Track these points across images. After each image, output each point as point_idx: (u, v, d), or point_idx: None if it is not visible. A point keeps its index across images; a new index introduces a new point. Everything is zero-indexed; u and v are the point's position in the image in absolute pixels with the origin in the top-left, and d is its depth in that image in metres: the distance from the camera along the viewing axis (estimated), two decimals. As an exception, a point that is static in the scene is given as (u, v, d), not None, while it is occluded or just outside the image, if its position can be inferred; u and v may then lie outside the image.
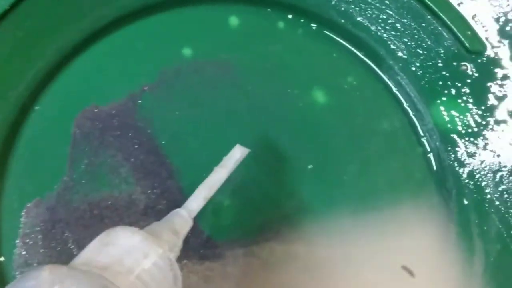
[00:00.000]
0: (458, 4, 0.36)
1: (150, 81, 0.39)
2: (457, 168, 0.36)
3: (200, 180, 0.34)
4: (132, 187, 0.37)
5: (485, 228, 0.34)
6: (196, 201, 0.32)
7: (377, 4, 0.37)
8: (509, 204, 0.34)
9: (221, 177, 0.33)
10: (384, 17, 0.37)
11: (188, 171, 0.37)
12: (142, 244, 0.27)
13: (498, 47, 0.36)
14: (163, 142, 0.38)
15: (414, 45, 0.37)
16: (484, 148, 0.35)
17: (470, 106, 0.36)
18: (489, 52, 0.36)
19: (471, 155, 0.36)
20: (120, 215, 0.37)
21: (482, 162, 0.35)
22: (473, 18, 0.36)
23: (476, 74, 0.36)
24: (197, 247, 0.36)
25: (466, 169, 0.35)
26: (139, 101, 0.38)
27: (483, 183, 0.35)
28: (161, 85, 0.39)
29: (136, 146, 0.38)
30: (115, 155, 0.38)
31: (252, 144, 0.37)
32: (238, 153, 0.33)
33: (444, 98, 0.36)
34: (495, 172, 0.35)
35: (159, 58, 0.39)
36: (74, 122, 0.38)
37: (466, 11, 0.36)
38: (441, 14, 0.36)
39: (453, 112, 0.36)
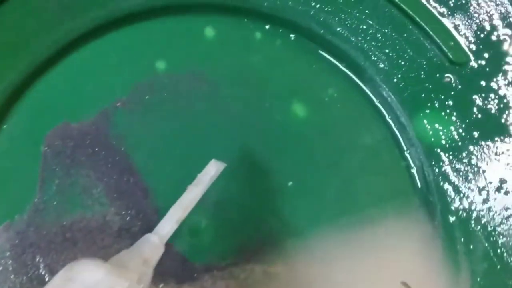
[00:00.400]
0: (441, 14, 0.34)
1: (123, 96, 0.37)
2: (441, 184, 0.35)
3: (176, 199, 0.33)
4: (105, 208, 0.36)
5: (471, 246, 0.33)
6: (168, 224, 0.31)
7: (357, 14, 0.36)
8: (496, 221, 0.33)
9: (195, 196, 0.31)
10: (365, 27, 0.36)
11: (165, 190, 0.36)
12: (107, 279, 0.26)
13: (482, 58, 0.34)
14: (138, 160, 0.37)
15: (395, 56, 0.36)
16: (469, 163, 0.34)
17: (454, 119, 0.35)
18: (473, 63, 0.34)
19: (456, 170, 0.34)
20: (93, 238, 0.35)
21: (467, 177, 0.34)
22: (456, 28, 0.35)
23: (460, 86, 0.34)
24: (174, 270, 0.35)
25: (451, 185, 0.34)
26: (112, 118, 0.37)
27: (469, 200, 0.34)
28: (134, 100, 0.37)
29: (110, 165, 0.36)
30: (87, 175, 0.36)
31: (229, 160, 0.35)
32: (213, 169, 0.32)
33: (427, 111, 0.35)
34: (481, 189, 0.34)
35: (132, 72, 0.38)
36: (45, 140, 0.36)
37: (449, 21, 0.34)
38: (423, 24, 0.35)
39: (437, 125, 0.35)
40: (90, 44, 0.38)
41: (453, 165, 0.34)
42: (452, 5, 0.34)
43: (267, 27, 0.38)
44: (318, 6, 0.36)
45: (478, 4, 0.34)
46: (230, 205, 0.36)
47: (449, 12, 0.34)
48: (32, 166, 0.36)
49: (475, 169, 0.34)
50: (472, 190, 0.34)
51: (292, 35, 0.38)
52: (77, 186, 0.36)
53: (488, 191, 0.34)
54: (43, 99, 0.37)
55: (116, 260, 0.28)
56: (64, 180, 0.36)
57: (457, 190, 0.34)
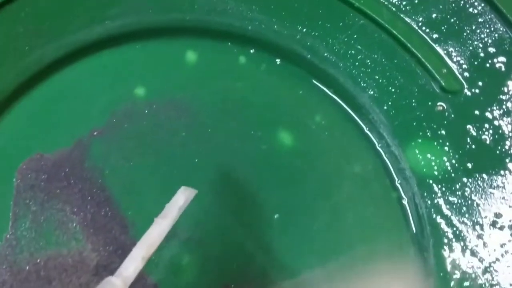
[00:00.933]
0: (433, 40, 0.33)
1: (99, 125, 0.35)
2: (434, 216, 0.33)
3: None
4: (82, 244, 0.34)
5: (466, 284, 0.32)
6: (132, 264, 0.28)
7: (345, 39, 0.34)
8: (491, 258, 0.31)
9: (162, 230, 0.29)
10: (353, 52, 0.34)
11: (144, 224, 0.33)
12: None
13: (476, 86, 0.33)
14: (116, 193, 0.35)
15: (386, 83, 0.34)
16: (463, 195, 0.33)
17: (447, 149, 0.33)
18: (467, 91, 0.33)
19: (449, 203, 0.33)
20: (69, 276, 0.34)
21: (461, 211, 0.33)
22: (449, 55, 0.33)
23: (453, 115, 0.33)
24: (155, 311, 0.33)
25: (444, 218, 0.33)
26: (88, 148, 0.35)
27: (463, 234, 0.32)
28: (111, 129, 0.35)
29: (86, 198, 0.35)
30: (62, 209, 0.35)
31: (212, 193, 0.34)
32: (182, 197, 0.29)
33: (419, 140, 0.33)
34: (475, 223, 0.32)
35: (109, 99, 0.36)
36: (17, 173, 0.35)
37: (441, 47, 0.33)
38: (415, 50, 0.33)
39: (429, 156, 0.33)
40: (63, 70, 0.36)
41: (446, 197, 0.33)
42: (444, 31, 0.33)
43: (251, 51, 0.36)
44: (304, 30, 0.34)
45: (472, 30, 0.32)
46: (213, 240, 0.34)
47: (442, 38, 0.33)
48: (4, 200, 0.34)
49: (469, 202, 0.33)
50: (466, 224, 0.32)
51: (277, 60, 0.36)
52: (51, 221, 0.34)
53: (482, 225, 0.32)
54: (14, 130, 0.35)
55: None
56: (37, 215, 0.34)
57: (450, 223, 0.33)
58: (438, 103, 0.33)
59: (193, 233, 0.34)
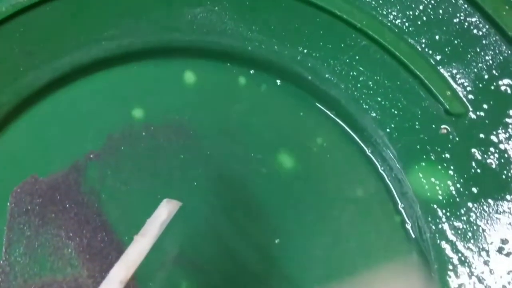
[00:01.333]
0: (436, 62, 0.32)
1: (96, 148, 0.35)
2: (438, 242, 0.32)
3: (154, 260, 0.30)
4: (77, 270, 0.33)
5: (472, 312, 0.31)
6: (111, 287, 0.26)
7: (347, 60, 0.33)
8: (498, 286, 0.30)
9: (142, 249, 0.26)
10: (355, 74, 0.33)
11: (141, 250, 0.33)
12: None
13: (481, 109, 0.32)
14: (112, 218, 0.34)
15: (388, 105, 0.33)
16: (468, 221, 0.32)
17: (452, 173, 0.32)
18: (472, 114, 0.32)
19: (454, 228, 0.32)
20: (64, 304, 0.33)
21: (466, 236, 0.32)
22: (453, 77, 0.32)
23: (457, 139, 0.32)
24: None
25: (449, 244, 0.32)
26: (84, 171, 0.34)
27: (468, 260, 0.31)
28: (108, 152, 0.35)
29: (82, 222, 0.34)
30: (57, 234, 0.34)
31: (212, 217, 0.33)
32: (164, 213, 0.27)
33: (422, 164, 0.33)
34: (481, 249, 0.31)
35: (106, 122, 0.35)
36: (11, 197, 0.34)
37: (445, 69, 0.32)
38: (418, 72, 0.32)
39: (433, 179, 0.32)
40: (59, 91, 0.36)
41: (450, 222, 0.32)
42: (448, 53, 0.32)
43: (251, 72, 0.35)
44: (305, 51, 0.34)
45: (476, 52, 0.32)
46: (211, 266, 0.34)
47: (446, 60, 0.32)
48: (-3, 225, 0.33)
49: (475, 227, 0.32)
50: (472, 250, 0.32)
51: (278, 81, 0.35)
52: (46, 246, 0.34)
53: (488, 251, 0.31)
54: (8, 152, 0.34)
55: None
56: (32, 240, 0.34)
57: (455, 249, 0.32)
58: (442, 126, 0.33)
59: (191, 257, 0.33)
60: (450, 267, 0.32)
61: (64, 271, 0.33)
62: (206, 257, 0.34)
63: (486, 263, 0.31)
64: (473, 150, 0.32)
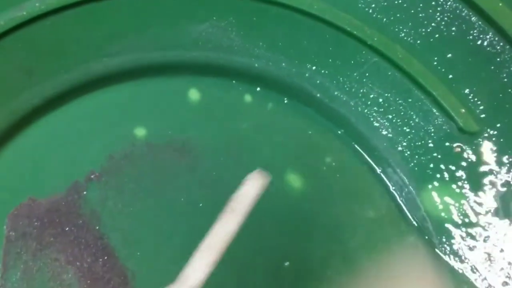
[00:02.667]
0: (450, 79, 0.31)
1: (96, 168, 0.33)
2: (454, 263, 0.31)
3: (159, 287, 0.29)
4: (77, 297, 0.31)
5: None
6: (199, 271, 0.25)
7: (357, 77, 0.32)
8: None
9: (230, 228, 0.25)
10: (365, 91, 0.33)
11: (147, 275, 0.32)
12: None
13: (496, 127, 0.31)
14: (115, 241, 0.33)
15: (400, 123, 0.32)
16: (485, 241, 0.31)
17: (467, 192, 0.31)
18: (486, 133, 0.31)
19: (470, 249, 0.31)
20: (63, 333, 0.31)
21: (483, 257, 0.31)
22: (466, 94, 0.31)
23: (472, 157, 0.31)
24: None
25: (466, 265, 0.31)
26: (85, 192, 0.33)
27: (486, 283, 0.30)
28: (109, 172, 0.33)
29: (82, 246, 0.32)
30: (56, 259, 0.32)
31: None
32: (254, 186, 0.25)
33: (436, 183, 0.32)
34: (499, 270, 0.30)
35: (107, 140, 0.34)
36: (7, 220, 0.32)
37: (458, 86, 0.31)
38: (430, 89, 0.31)
39: (447, 199, 0.32)
40: (58, 109, 0.34)
41: (466, 243, 0.31)
42: (462, 70, 0.31)
43: (258, 89, 0.34)
44: (314, 68, 0.33)
45: (491, 70, 0.31)
46: (219, 290, 0.32)
47: (459, 78, 0.31)
48: (-8, 250, 0.31)
49: (492, 248, 0.31)
50: (490, 271, 0.30)
51: (285, 99, 0.34)
52: (45, 271, 0.32)
53: (508, 273, 0.30)
54: (4, 173, 0.33)
55: None
56: (30, 265, 0.32)
57: (471, 270, 0.31)
58: (456, 144, 0.32)
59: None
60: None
61: (64, 298, 0.32)
62: (213, 283, 0.32)
63: (505, 284, 0.30)
64: (488, 168, 0.31)
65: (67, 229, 0.33)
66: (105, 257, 0.32)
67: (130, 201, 0.33)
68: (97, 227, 0.33)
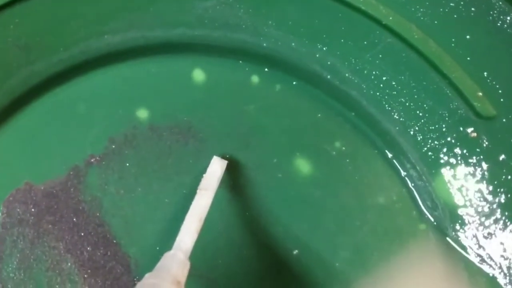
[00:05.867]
0: (467, 61, 0.30)
1: (97, 152, 0.32)
2: (467, 251, 0.30)
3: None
4: (78, 287, 0.30)
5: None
6: (188, 237, 0.28)
7: (370, 59, 0.31)
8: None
9: (207, 200, 0.30)
10: (378, 73, 0.31)
11: (149, 264, 0.30)
12: None
13: (514, 112, 0.30)
14: (116, 228, 0.31)
15: (413, 106, 0.31)
16: (498, 229, 0.30)
17: (481, 179, 0.30)
18: (503, 117, 0.30)
19: (482, 237, 0.30)
20: (63, 324, 0.30)
21: (496, 245, 0.30)
22: (484, 78, 0.30)
23: (487, 143, 0.30)
24: None
25: (480, 254, 0.30)
26: (84, 177, 0.31)
27: (500, 271, 0.29)
28: (110, 156, 0.32)
29: (82, 234, 0.31)
30: (55, 247, 0.31)
31: (224, 226, 0.31)
32: (218, 169, 0.30)
33: (449, 169, 0.31)
34: (512, 259, 0.29)
35: (108, 123, 0.33)
36: (3, 206, 0.31)
37: (476, 69, 0.30)
38: (446, 72, 0.30)
39: (461, 186, 0.31)
40: (56, 89, 0.33)
41: (479, 231, 0.30)
42: (480, 52, 0.30)
43: (265, 70, 0.33)
44: (325, 48, 0.31)
45: (510, 53, 0.30)
46: (225, 279, 0.31)
47: (477, 60, 0.30)
48: (-13, 238, 0.30)
49: (506, 236, 0.30)
50: (505, 260, 0.30)
51: (294, 80, 0.33)
52: (42, 260, 0.31)
53: (521, 262, 0.30)
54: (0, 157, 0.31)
55: (147, 286, 0.25)
56: (27, 254, 0.31)
57: (486, 260, 0.30)
58: (471, 129, 0.31)
59: (205, 270, 0.31)
60: (482, 279, 0.30)
61: (63, 287, 0.30)
62: (219, 271, 0.31)
63: (519, 274, 0.30)
64: (503, 155, 0.30)
65: (66, 215, 0.31)
66: (106, 245, 0.31)
67: (132, 186, 0.32)
68: (98, 214, 0.31)
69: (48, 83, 0.31)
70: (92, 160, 0.32)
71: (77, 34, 0.31)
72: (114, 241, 0.31)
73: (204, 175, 0.30)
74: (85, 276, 0.31)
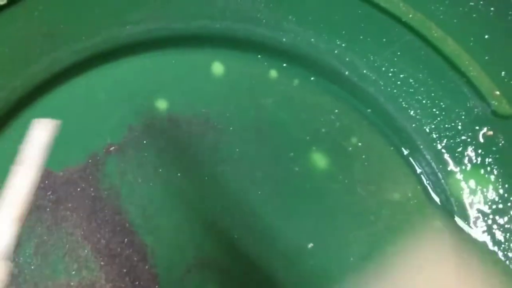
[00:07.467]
0: (485, 60, 0.30)
1: (116, 140, 0.32)
2: (481, 249, 0.30)
3: (179, 263, 0.30)
4: (94, 274, 0.31)
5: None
6: (5, 232, 0.21)
7: (388, 56, 0.31)
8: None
9: (28, 180, 0.22)
10: (396, 70, 0.32)
11: (166, 252, 0.31)
12: None
13: (531, 111, 0.31)
14: (133, 217, 0.32)
15: (430, 104, 0.32)
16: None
17: (496, 178, 0.31)
18: (520, 116, 0.31)
19: (496, 236, 0.30)
20: (79, 310, 0.30)
21: (509, 245, 0.30)
22: (501, 77, 0.31)
23: (503, 142, 0.31)
24: None
25: (494, 252, 0.30)
26: (103, 165, 0.31)
27: (512, 269, 0.30)
28: (129, 145, 0.32)
29: (100, 221, 0.31)
30: (72, 233, 0.31)
31: (241, 218, 0.31)
32: (41, 134, 0.24)
33: (464, 167, 0.31)
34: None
35: (127, 112, 0.33)
36: (21, 192, 0.30)
37: (494, 68, 0.30)
38: (464, 70, 0.30)
39: (476, 184, 0.31)
40: (77, 78, 0.33)
41: (493, 230, 0.30)
42: (499, 50, 0.30)
43: (284, 65, 0.33)
44: (344, 45, 0.32)
45: (529, 51, 0.30)
46: (239, 271, 0.31)
47: (496, 59, 0.31)
48: (5, 223, 0.30)
49: (520, 235, 0.30)
50: (517, 260, 0.30)
51: (312, 75, 0.33)
52: (60, 246, 0.31)
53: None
54: (19, 142, 0.31)
55: None
56: (44, 239, 0.31)
57: (500, 258, 0.30)
58: (488, 128, 0.31)
59: (219, 262, 0.31)
60: (496, 273, 0.31)
61: (80, 274, 0.31)
62: (234, 262, 0.32)
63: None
64: (520, 154, 0.31)
65: (84, 203, 0.31)
66: (124, 233, 0.31)
67: (150, 175, 0.32)
68: (116, 202, 0.32)
69: (70, 70, 0.32)
70: (111, 149, 0.32)
71: (99, 23, 0.31)
72: (131, 229, 0.31)
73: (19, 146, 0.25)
74: (102, 263, 0.31)
